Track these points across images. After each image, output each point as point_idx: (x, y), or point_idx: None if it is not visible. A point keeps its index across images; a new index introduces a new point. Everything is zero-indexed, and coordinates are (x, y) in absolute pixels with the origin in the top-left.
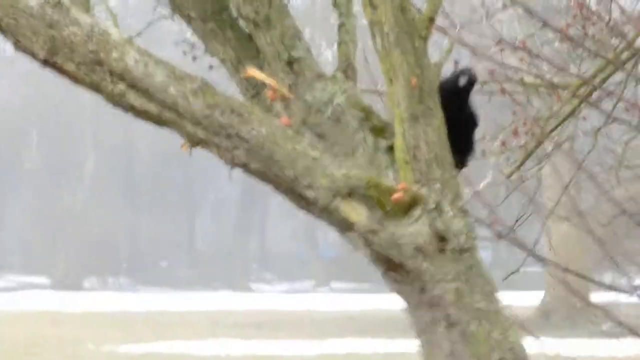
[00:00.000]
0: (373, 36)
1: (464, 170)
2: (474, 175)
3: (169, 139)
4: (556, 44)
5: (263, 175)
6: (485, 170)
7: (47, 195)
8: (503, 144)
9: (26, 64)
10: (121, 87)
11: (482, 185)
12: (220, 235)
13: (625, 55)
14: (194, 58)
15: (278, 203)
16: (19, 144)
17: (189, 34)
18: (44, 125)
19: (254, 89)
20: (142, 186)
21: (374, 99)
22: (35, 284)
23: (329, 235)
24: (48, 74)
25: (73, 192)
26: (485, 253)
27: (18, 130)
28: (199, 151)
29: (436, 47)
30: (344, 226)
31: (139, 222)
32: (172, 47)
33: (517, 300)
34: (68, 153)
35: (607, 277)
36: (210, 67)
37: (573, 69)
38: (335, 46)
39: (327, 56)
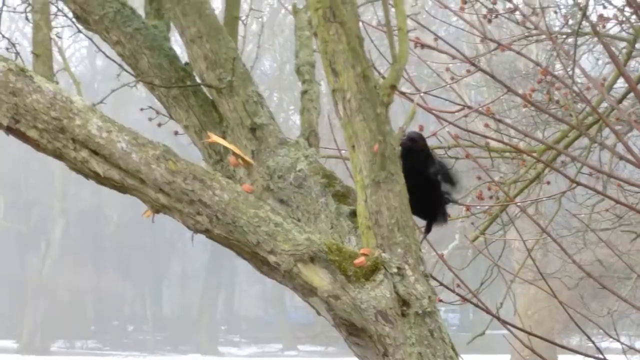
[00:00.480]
0: (335, 103)
1: (431, 233)
2: (440, 239)
3: (138, 205)
4: (522, 109)
5: (226, 241)
6: (452, 233)
7: (15, 260)
8: (468, 208)
9: None
10: (84, 154)
11: (448, 248)
12: (188, 299)
13: (589, 120)
14: (159, 124)
15: (246, 266)
16: None
17: (155, 99)
18: (11, 190)
19: (217, 155)
20: (110, 252)
21: (336, 164)
22: (2, 348)
23: (296, 298)
24: (13, 138)
25: (41, 256)
26: (452, 315)
27: None
28: (165, 217)
29: (402, 111)
30: (307, 291)
31: (106, 287)
32: (137, 113)
33: None
34: (36, 218)
35: (574, 341)
36: (176, 133)
37: (538, 134)
38: None
39: (295, 120)
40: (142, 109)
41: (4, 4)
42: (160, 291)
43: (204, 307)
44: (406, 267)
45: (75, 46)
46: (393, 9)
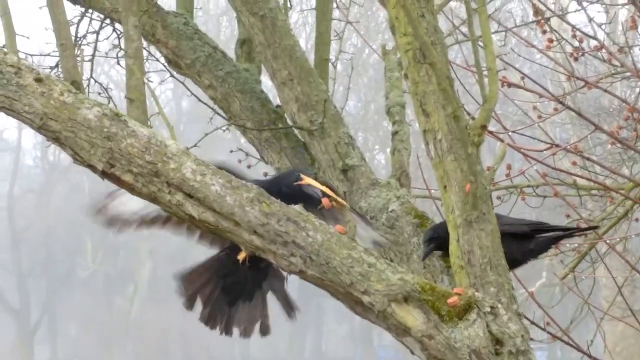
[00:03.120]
0: (426, 143)
1: (518, 271)
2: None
3: None
4: (608, 146)
5: (319, 282)
6: (539, 271)
7: (102, 302)
8: (557, 246)
9: (80, 173)
10: (179, 197)
11: (536, 286)
12: (275, 339)
13: None
14: (249, 166)
15: (333, 306)
16: (73, 252)
17: (242, 141)
18: (98, 233)
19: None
20: None
21: (423, 203)
22: None
23: (384, 337)
24: (100, 182)
25: (128, 298)
26: (540, 353)
27: (72, 239)
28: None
29: (488, 149)
30: (401, 331)
31: (193, 327)
32: (226, 155)
33: None
34: (123, 260)
35: None
36: (265, 174)
37: (625, 170)
38: (389, 150)
39: (380, 160)
40: (231, 151)
41: (95, 49)
42: None
43: (292, 347)
44: (499, 306)
45: (160, 88)
46: (481, 49)
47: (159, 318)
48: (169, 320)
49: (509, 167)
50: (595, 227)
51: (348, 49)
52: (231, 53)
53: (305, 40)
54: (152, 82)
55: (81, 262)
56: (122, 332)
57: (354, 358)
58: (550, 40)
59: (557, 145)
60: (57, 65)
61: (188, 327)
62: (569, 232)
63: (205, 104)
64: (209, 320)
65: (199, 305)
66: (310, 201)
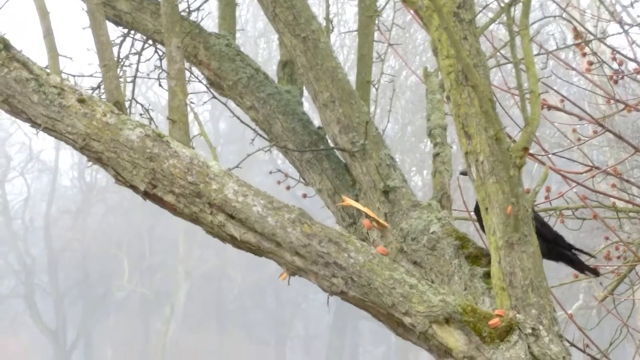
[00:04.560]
0: (468, 165)
1: (554, 293)
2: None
3: (261, 267)
4: None
5: (361, 303)
6: (576, 293)
7: (139, 324)
8: (595, 270)
9: (116, 194)
10: (220, 218)
11: (573, 308)
12: None
13: None
14: (288, 188)
15: (370, 327)
16: (110, 273)
17: (279, 162)
18: (135, 254)
19: (351, 219)
20: (234, 314)
21: (460, 224)
22: None
23: (420, 358)
24: (139, 203)
25: (165, 320)
26: None
27: (109, 260)
28: (291, 278)
29: (525, 172)
30: (442, 352)
31: (230, 349)
32: (264, 176)
33: None
34: (160, 281)
35: None
36: (304, 196)
37: None
38: (425, 172)
39: (417, 182)
40: (271, 172)
41: (137, 70)
42: (284, 353)
43: None
44: (540, 327)
45: (198, 110)
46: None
47: (195, 340)
48: (206, 342)
49: (548, 189)
50: (597, 274)
51: (386, 71)
52: (272, 75)
53: (344, 62)
54: (193, 103)
55: (118, 283)
56: (159, 355)
57: None
58: (590, 63)
59: (596, 168)
60: (99, 86)
61: (225, 349)
62: (575, 266)
63: (247, 125)
64: None
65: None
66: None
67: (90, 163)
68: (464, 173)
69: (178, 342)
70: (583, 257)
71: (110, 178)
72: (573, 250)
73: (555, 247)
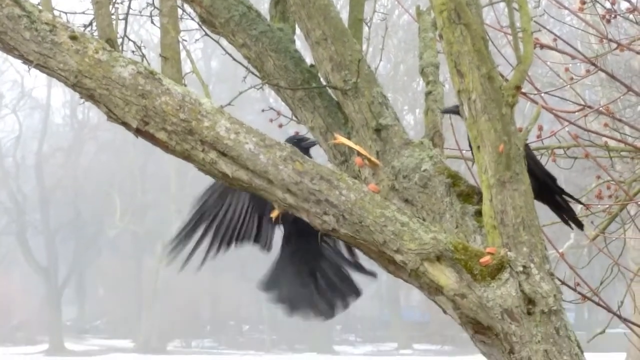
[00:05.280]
0: (460, 104)
1: (546, 232)
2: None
3: None
4: (639, 108)
5: (352, 240)
6: (567, 232)
7: (131, 262)
8: (587, 207)
9: (108, 132)
10: (212, 155)
11: (564, 247)
12: None
13: None
14: (280, 125)
15: None
16: (102, 211)
17: (272, 100)
18: (127, 193)
19: (342, 156)
20: (226, 253)
21: (459, 164)
22: (119, 348)
23: (411, 297)
24: (131, 141)
25: (157, 258)
26: (568, 314)
27: (101, 198)
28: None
29: (517, 109)
30: (433, 290)
31: (222, 287)
32: (257, 114)
33: None
34: (151, 220)
35: None
36: (296, 133)
37: None
38: (418, 111)
39: (409, 121)
40: (263, 110)
41: (129, 7)
42: None
43: None
44: (532, 265)
45: (190, 47)
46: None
47: (187, 278)
48: (198, 280)
49: (540, 128)
50: (581, 227)
51: (378, 9)
52: (263, 13)
53: (336, 0)
54: (185, 41)
55: (110, 221)
56: (151, 292)
57: (381, 318)
58: (583, 2)
59: (588, 107)
60: (90, 24)
61: (216, 288)
62: (562, 212)
63: (239, 62)
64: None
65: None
66: None
67: (82, 100)
68: (446, 111)
69: (170, 280)
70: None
71: (102, 116)
72: (564, 196)
73: (545, 188)
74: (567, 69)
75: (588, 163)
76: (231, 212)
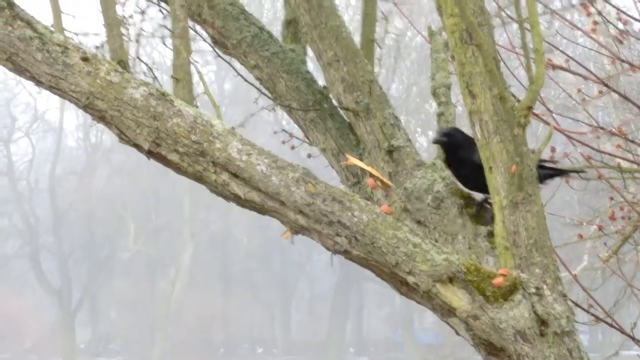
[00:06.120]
0: (472, 125)
1: (560, 253)
2: (569, 260)
3: (266, 229)
4: None
5: (364, 262)
6: (580, 254)
7: (144, 284)
8: (600, 228)
9: (122, 155)
10: (224, 177)
11: (577, 269)
12: (316, 321)
13: None
14: (293, 147)
15: (374, 288)
16: (115, 234)
17: (284, 122)
18: (141, 216)
19: (355, 178)
20: (239, 275)
21: None
22: None
23: (424, 319)
24: (144, 164)
25: (170, 281)
26: (581, 337)
27: (114, 221)
28: (296, 239)
29: (530, 133)
30: (445, 311)
31: (235, 310)
32: (269, 136)
33: None
34: (165, 243)
35: None
36: (309, 155)
37: None
38: (430, 133)
39: (422, 143)
40: (275, 132)
41: (141, 29)
42: (289, 314)
43: (333, 329)
44: (544, 287)
45: (202, 71)
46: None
47: (200, 301)
48: (211, 303)
49: (553, 149)
50: (582, 171)
51: (390, 31)
52: (275, 34)
53: (348, 23)
54: (197, 62)
55: (123, 243)
56: (163, 315)
57: (395, 340)
58: (595, 23)
59: (601, 128)
60: (102, 45)
61: (230, 310)
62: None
63: (251, 84)
64: None
65: None
66: None
67: (94, 122)
68: (436, 142)
69: (183, 303)
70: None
71: (115, 139)
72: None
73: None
74: (579, 90)
75: (601, 185)
76: None
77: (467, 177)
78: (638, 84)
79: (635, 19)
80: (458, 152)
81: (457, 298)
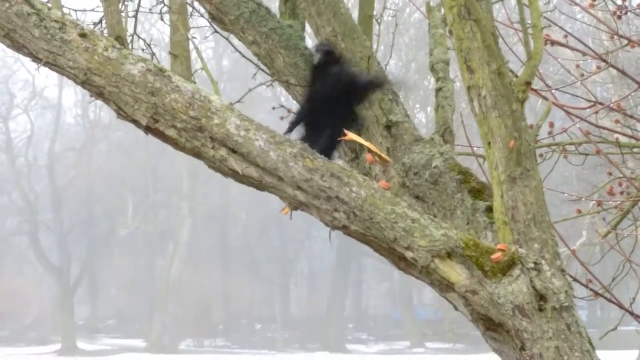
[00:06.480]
0: (470, 100)
1: (558, 229)
2: (568, 235)
3: (265, 205)
4: None
5: (362, 237)
6: (579, 230)
7: (143, 261)
8: (598, 204)
9: (120, 131)
10: (222, 152)
11: (576, 245)
12: (315, 297)
13: None
14: None
15: (373, 265)
16: (114, 210)
17: (282, 99)
18: (139, 192)
19: (353, 153)
20: (238, 251)
21: (470, 161)
22: (131, 347)
23: (423, 295)
24: (142, 140)
25: (169, 257)
26: (580, 312)
27: (113, 197)
28: (295, 215)
29: (528, 107)
30: (444, 286)
31: (234, 286)
32: (267, 112)
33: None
34: (163, 219)
35: None
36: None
37: None
38: (429, 109)
39: (420, 119)
40: (273, 108)
41: (139, 5)
42: (288, 290)
43: (332, 306)
44: (543, 262)
45: (201, 47)
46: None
47: (199, 277)
48: (210, 279)
49: (551, 125)
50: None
51: (388, 7)
52: (274, 10)
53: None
54: (195, 38)
55: (121, 220)
56: (163, 292)
57: (394, 316)
58: None
59: (600, 104)
60: (100, 21)
61: (229, 286)
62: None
63: (249, 59)
64: None
65: None
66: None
67: (92, 98)
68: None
69: (182, 279)
70: None
71: (113, 115)
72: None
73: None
74: (577, 66)
75: (600, 160)
76: None
77: (325, 100)
78: (636, 59)
79: None
80: (332, 67)
81: (456, 273)
